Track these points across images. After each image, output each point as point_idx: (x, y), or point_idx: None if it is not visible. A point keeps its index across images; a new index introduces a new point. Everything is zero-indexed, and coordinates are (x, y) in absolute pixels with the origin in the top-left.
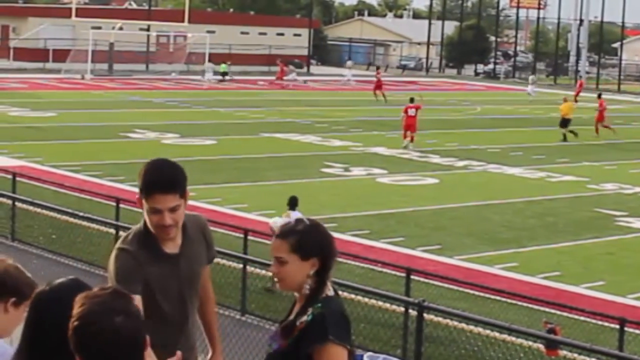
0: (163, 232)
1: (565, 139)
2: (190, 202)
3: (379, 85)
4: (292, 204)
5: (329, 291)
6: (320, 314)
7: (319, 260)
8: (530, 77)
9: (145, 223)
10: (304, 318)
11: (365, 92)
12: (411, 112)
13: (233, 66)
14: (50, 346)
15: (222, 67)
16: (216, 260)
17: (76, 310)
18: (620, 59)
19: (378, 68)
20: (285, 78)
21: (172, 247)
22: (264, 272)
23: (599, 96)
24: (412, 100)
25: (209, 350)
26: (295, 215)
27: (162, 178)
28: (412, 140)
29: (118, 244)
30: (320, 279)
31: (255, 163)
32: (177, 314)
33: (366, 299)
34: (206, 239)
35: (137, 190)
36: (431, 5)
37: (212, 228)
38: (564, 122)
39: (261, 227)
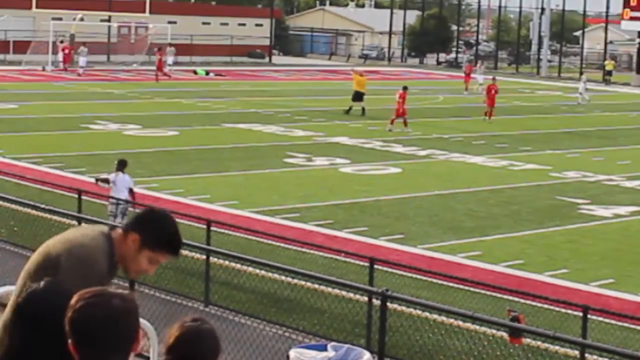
0: (136, 275)
1: (363, 112)
2: (153, 194)
3: (159, 66)
4: (121, 165)
5: None
6: None
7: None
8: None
9: (111, 244)
10: None
11: (328, 81)
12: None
13: (195, 57)
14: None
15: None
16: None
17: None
18: (582, 47)
19: (159, 49)
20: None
21: None
22: (227, 262)
23: (493, 80)
24: (405, 88)
25: None
26: (124, 177)
27: (180, 243)
28: (404, 124)
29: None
30: None
31: (218, 154)
32: None
33: (330, 289)
34: None
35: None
36: None
37: (175, 219)
38: (359, 96)
39: (225, 218)
